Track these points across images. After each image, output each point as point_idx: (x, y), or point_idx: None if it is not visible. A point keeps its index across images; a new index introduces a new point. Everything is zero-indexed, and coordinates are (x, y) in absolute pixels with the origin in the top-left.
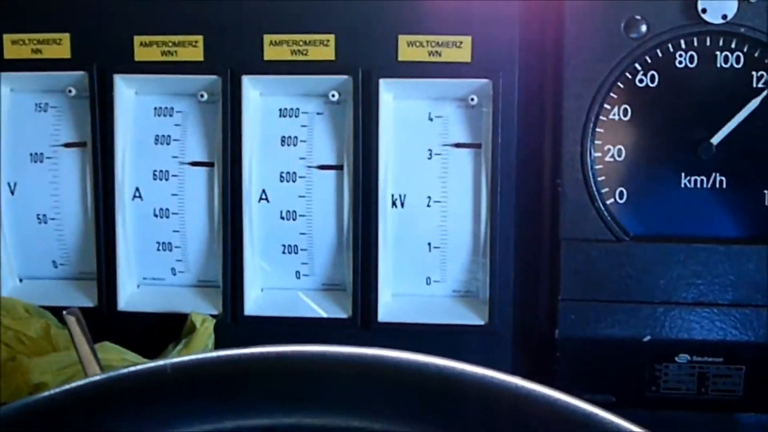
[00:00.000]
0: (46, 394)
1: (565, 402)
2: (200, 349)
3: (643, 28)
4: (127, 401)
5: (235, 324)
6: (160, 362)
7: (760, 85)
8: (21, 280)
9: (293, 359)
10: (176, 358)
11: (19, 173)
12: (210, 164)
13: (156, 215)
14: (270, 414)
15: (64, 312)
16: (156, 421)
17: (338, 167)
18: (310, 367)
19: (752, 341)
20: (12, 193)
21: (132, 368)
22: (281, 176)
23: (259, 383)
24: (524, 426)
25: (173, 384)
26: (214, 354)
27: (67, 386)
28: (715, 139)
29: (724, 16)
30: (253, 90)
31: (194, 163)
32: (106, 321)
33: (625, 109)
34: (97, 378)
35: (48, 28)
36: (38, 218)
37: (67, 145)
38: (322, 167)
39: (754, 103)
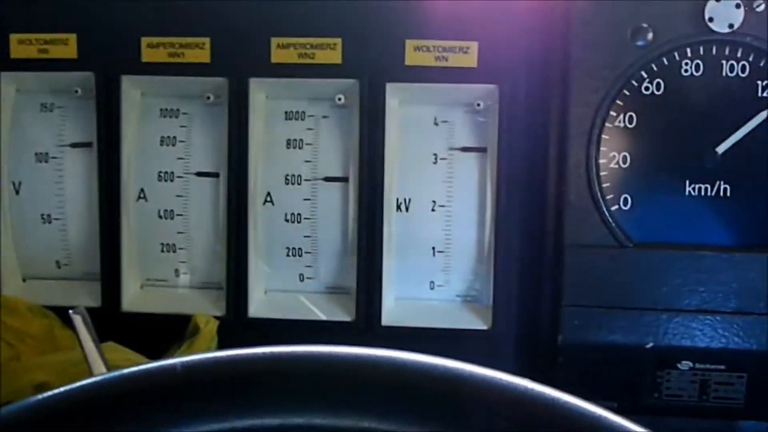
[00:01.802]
0: (53, 392)
1: (574, 404)
2: (204, 351)
3: (650, 35)
4: (137, 400)
5: (238, 326)
6: (170, 361)
7: (765, 95)
8: (24, 280)
9: (304, 359)
10: (184, 357)
11: (24, 173)
12: (215, 174)
13: (160, 216)
14: (280, 414)
15: (70, 311)
16: (165, 421)
17: (344, 179)
18: (322, 367)
19: (754, 349)
20: (17, 192)
21: (141, 366)
22: (286, 179)
23: (269, 383)
24: (533, 428)
25: (183, 383)
26: (225, 353)
27: (75, 385)
28: (721, 148)
29: (731, 25)
30: (260, 92)
31: (200, 174)
32: (110, 321)
33: (631, 117)
34: (106, 376)
35: (55, 29)
36: (42, 218)
37: (72, 146)
38: (327, 179)
39: (762, 116)
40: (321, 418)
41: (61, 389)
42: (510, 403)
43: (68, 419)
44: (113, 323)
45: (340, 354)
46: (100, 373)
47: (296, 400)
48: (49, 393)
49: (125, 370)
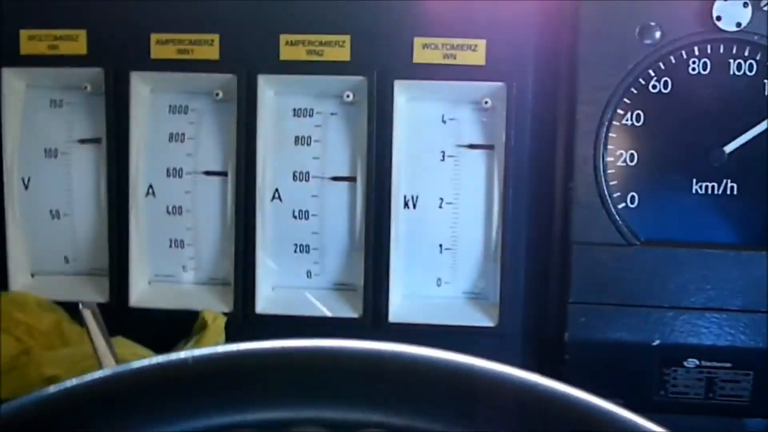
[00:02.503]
0: (66, 385)
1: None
2: (212, 346)
3: (658, 34)
4: (149, 393)
5: (246, 322)
6: (181, 354)
7: None
8: (33, 275)
9: (315, 353)
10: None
11: (33, 168)
12: (223, 173)
13: (169, 212)
14: (289, 407)
15: (80, 305)
16: (177, 414)
17: (351, 178)
18: (334, 360)
19: (760, 347)
20: (26, 188)
21: (153, 360)
22: (294, 175)
23: (279, 376)
24: (545, 424)
25: (194, 376)
26: (235, 347)
27: (88, 377)
28: (728, 148)
29: (739, 24)
30: (268, 89)
31: (208, 173)
32: (118, 317)
33: (638, 115)
34: (118, 369)
35: (65, 25)
36: (51, 213)
37: (81, 141)
38: (335, 179)
39: None
40: (332, 412)
41: (74, 381)
42: (523, 400)
43: (81, 412)
44: (121, 318)
45: (351, 348)
46: (111, 367)
47: (306, 394)
48: (62, 385)
49: (136, 364)
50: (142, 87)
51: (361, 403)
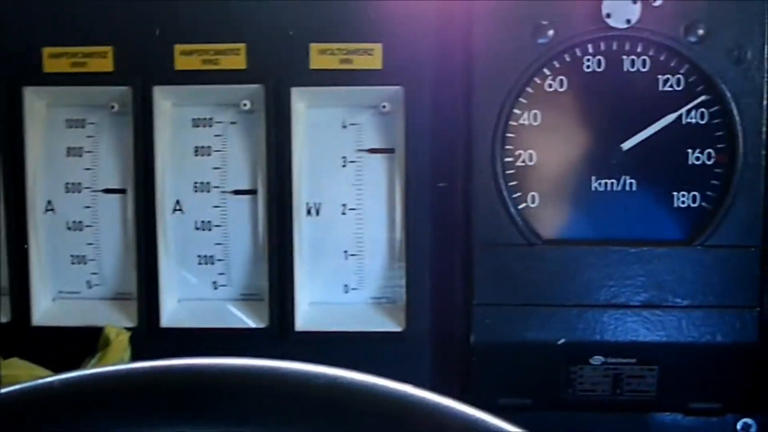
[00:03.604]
0: None
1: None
2: (115, 362)
3: (550, 33)
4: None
5: (151, 336)
6: (48, 379)
7: (666, 89)
8: None
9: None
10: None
11: None
12: (122, 191)
13: (69, 228)
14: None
15: None
16: None
17: (252, 191)
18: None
19: (664, 341)
20: None
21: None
22: (195, 187)
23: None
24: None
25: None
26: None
27: None
28: (626, 145)
29: (628, 21)
30: (165, 100)
31: (108, 191)
32: (20, 336)
33: (535, 114)
34: None
35: None
36: None
37: None
38: (237, 192)
39: (669, 118)
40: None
41: None
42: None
43: None
44: (24, 338)
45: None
46: None
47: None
48: None
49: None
50: (37, 101)
51: (226, 418)
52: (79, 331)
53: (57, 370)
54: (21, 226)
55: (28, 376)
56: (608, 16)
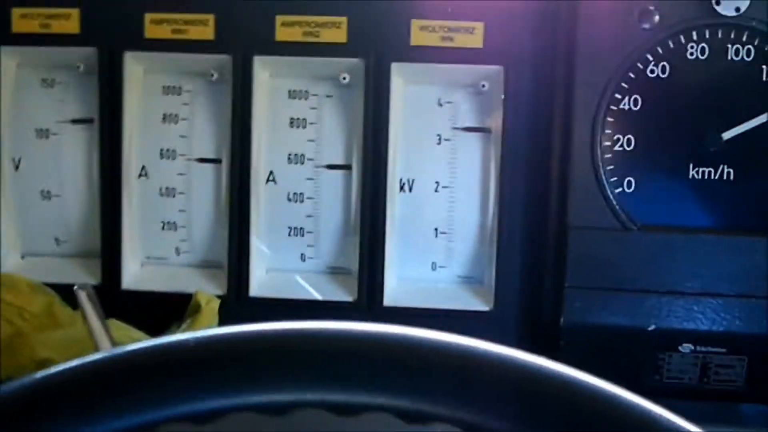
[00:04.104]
0: (63, 367)
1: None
2: (206, 329)
3: (656, 18)
4: (149, 375)
5: (239, 305)
6: (183, 336)
7: None
8: (23, 257)
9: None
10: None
11: (24, 149)
12: (218, 159)
13: (162, 194)
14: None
15: (75, 287)
16: (178, 396)
17: (345, 166)
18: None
19: (755, 332)
20: (16, 168)
21: (154, 341)
22: (289, 158)
23: (283, 359)
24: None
25: (197, 358)
26: (238, 328)
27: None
28: (727, 135)
29: (738, 9)
30: (263, 71)
31: (202, 160)
32: (109, 299)
33: (636, 99)
34: (118, 352)
35: (58, 3)
36: (42, 194)
37: (73, 122)
38: (331, 167)
39: None
40: (336, 395)
41: (72, 363)
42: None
43: (79, 394)
44: (113, 301)
45: (355, 330)
46: (107, 350)
47: (310, 376)
48: (59, 367)
49: (137, 345)
50: (135, 67)
51: (365, 386)
52: (166, 297)
53: (146, 334)
54: (115, 190)
55: (124, 338)
56: (717, 3)
